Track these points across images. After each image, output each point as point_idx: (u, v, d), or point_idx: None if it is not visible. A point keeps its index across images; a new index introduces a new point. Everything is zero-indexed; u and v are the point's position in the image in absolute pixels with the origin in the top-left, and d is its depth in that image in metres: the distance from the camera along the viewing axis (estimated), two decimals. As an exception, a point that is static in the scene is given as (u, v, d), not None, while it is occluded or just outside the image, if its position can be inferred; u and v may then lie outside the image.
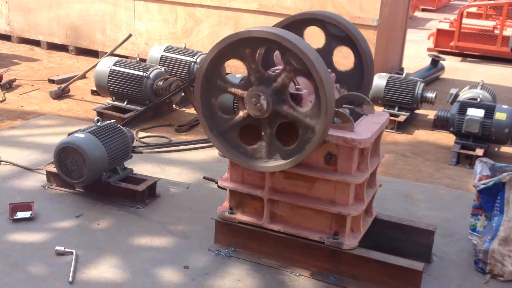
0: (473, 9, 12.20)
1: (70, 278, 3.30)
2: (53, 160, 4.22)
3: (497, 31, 10.38)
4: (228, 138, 3.31)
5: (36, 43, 9.18)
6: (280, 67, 3.38)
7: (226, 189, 3.65)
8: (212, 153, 5.05)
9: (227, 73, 7.01)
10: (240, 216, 3.61)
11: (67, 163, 4.10)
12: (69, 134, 4.30)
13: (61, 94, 6.84)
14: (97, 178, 4.20)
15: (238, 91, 3.18)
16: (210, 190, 4.43)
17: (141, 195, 4.21)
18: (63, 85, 6.92)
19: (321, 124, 2.99)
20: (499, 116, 5.51)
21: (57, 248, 3.55)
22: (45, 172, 4.48)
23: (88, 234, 3.82)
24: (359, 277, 3.39)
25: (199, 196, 4.44)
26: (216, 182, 3.79)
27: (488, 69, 9.82)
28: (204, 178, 4.32)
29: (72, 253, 3.52)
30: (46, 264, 3.46)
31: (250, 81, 3.13)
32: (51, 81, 7.35)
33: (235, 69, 7.27)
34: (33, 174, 4.61)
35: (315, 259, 3.47)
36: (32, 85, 7.22)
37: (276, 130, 3.17)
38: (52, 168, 4.36)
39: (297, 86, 3.26)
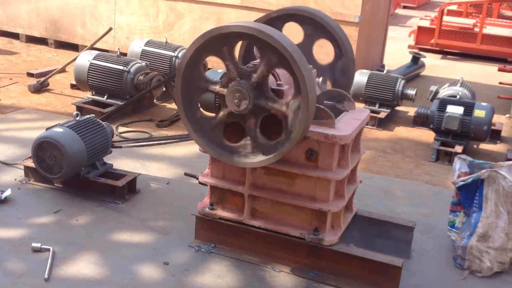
0: (454, 7, 12.29)
1: (46, 275, 3.26)
2: (31, 154, 4.16)
3: (477, 29, 10.49)
4: (210, 135, 3.29)
5: (15, 36, 9.03)
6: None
7: (206, 185, 3.63)
8: (193, 148, 5.02)
9: (209, 68, 6.99)
10: (221, 212, 3.59)
11: (45, 158, 4.05)
12: (47, 129, 4.24)
13: (40, 88, 6.75)
14: (75, 173, 4.15)
15: (219, 89, 3.16)
16: (191, 186, 4.40)
17: (121, 191, 4.17)
18: (42, 79, 6.82)
19: (302, 120, 2.99)
20: (478, 113, 5.57)
21: (34, 245, 3.49)
22: (22, 167, 4.42)
23: (66, 230, 3.78)
24: (339, 273, 3.40)
25: (180, 191, 4.41)
26: (197, 178, 3.76)
27: (468, 67, 9.91)
28: (185, 174, 4.30)
29: (49, 250, 3.48)
30: (23, 260, 3.41)
31: (229, 77, 3.11)
32: (30, 74, 7.24)
33: (218, 64, 7.23)
34: (11, 169, 4.54)
35: (295, 255, 3.47)
36: (11, 79, 7.11)
37: (259, 125, 3.15)
38: (30, 163, 4.30)
39: (278, 82, 3.25)
